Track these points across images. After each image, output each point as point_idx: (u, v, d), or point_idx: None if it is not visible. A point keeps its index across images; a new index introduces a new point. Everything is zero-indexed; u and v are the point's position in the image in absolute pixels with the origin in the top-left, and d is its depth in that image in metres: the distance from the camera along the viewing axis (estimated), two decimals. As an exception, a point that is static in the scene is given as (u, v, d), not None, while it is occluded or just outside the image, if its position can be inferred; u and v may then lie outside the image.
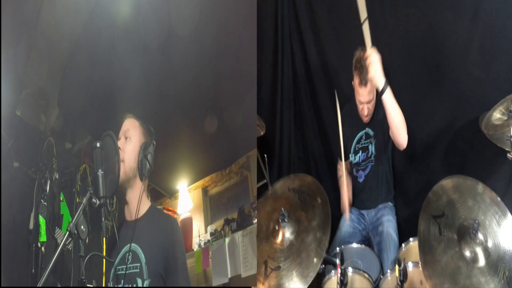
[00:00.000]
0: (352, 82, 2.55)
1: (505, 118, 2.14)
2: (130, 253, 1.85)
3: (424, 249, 1.67)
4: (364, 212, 2.71)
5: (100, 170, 1.73)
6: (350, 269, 2.11)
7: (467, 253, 1.67)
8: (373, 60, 2.19)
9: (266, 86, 3.24)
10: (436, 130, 2.75)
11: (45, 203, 2.66)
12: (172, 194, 4.21)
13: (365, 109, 2.53)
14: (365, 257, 2.34)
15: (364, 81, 2.40)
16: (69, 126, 3.24)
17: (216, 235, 3.69)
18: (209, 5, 2.44)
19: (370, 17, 2.52)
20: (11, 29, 2.37)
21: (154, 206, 2.03)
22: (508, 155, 2.12)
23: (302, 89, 3.22)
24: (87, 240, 1.66)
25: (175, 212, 3.98)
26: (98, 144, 1.77)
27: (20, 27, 2.50)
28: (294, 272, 1.91)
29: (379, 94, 2.26)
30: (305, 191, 2.14)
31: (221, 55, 2.72)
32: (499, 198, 1.82)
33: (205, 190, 4.13)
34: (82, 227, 1.59)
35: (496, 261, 1.65)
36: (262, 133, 2.78)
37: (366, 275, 2.11)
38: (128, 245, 1.86)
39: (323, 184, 2.24)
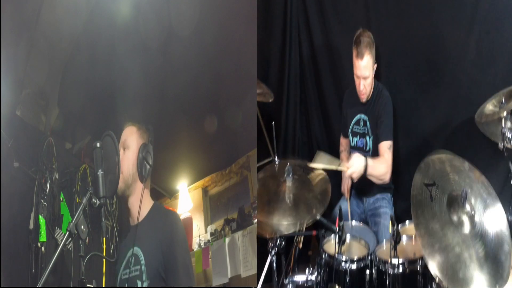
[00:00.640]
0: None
1: (497, 109, 2.26)
2: (133, 257, 1.86)
3: (417, 212, 1.80)
4: (362, 197, 2.76)
5: (100, 170, 1.73)
6: (348, 236, 2.18)
7: (455, 218, 1.81)
8: (351, 173, 2.39)
9: (274, 71, 3.29)
10: (433, 127, 2.80)
11: (45, 203, 2.65)
12: (172, 194, 4.21)
13: (361, 85, 2.56)
14: (363, 232, 2.36)
15: (360, 55, 2.49)
16: (69, 126, 3.24)
17: (216, 235, 3.69)
18: (209, 5, 2.44)
19: (373, 16, 2.72)
20: (11, 29, 2.37)
21: (156, 204, 2.03)
22: (499, 145, 2.21)
23: (308, 74, 3.25)
24: (87, 240, 1.66)
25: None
26: (98, 144, 1.77)
27: (20, 27, 2.49)
28: (290, 217, 2.07)
29: (365, 166, 2.41)
30: (309, 168, 2.28)
31: (221, 55, 2.72)
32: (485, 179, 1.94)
33: (205, 190, 4.13)
34: (82, 227, 1.59)
35: (477, 235, 1.78)
36: (271, 100, 2.87)
37: (363, 242, 2.19)
38: (131, 249, 1.87)
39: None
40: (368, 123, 2.66)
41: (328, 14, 3.08)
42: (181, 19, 2.50)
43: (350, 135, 2.76)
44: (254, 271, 3.18)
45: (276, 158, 2.58)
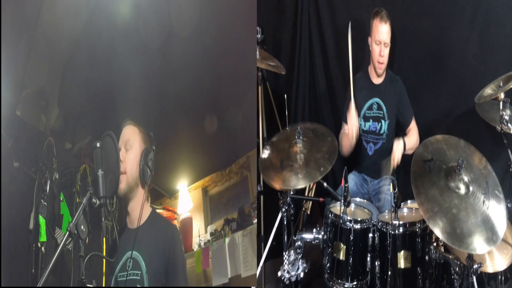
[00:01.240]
0: (369, 37, 2.70)
1: (495, 91, 2.42)
2: (131, 260, 1.86)
3: (416, 183, 2.00)
4: (367, 178, 2.87)
5: (100, 170, 1.74)
6: (352, 205, 2.39)
7: (452, 185, 2.01)
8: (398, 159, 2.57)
9: (285, 58, 3.38)
10: (436, 115, 2.91)
11: (45, 203, 2.66)
12: (172, 194, 4.21)
13: (382, 51, 2.62)
14: (367, 206, 2.48)
15: (384, 19, 2.59)
16: (69, 126, 3.24)
17: (216, 235, 3.69)
18: (209, 5, 2.44)
19: (378, 5, 2.82)
20: (11, 29, 2.37)
21: (154, 212, 2.05)
22: (497, 127, 2.33)
23: (317, 58, 3.35)
24: (87, 240, 1.66)
25: (175, 212, 3.98)
26: (98, 144, 1.77)
27: (20, 27, 2.49)
28: (300, 174, 2.26)
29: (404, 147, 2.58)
30: (318, 130, 2.48)
31: (221, 55, 2.72)
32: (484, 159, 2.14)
33: (205, 190, 4.13)
34: (82, 227, 1.60)
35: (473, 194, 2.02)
36: (283, 73, 3.00)
37: (366, 210, 2.37)
38: (129, 252, 1.88)
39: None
40: (384, 108, 2.71)
41: (337, 1, 3.16)
42: (181, 19, 2.50)
43: (361, 119, 2.77)
44: (254, 271, 3.17)
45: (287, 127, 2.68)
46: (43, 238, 2.58)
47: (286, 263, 2.27)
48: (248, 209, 3.57)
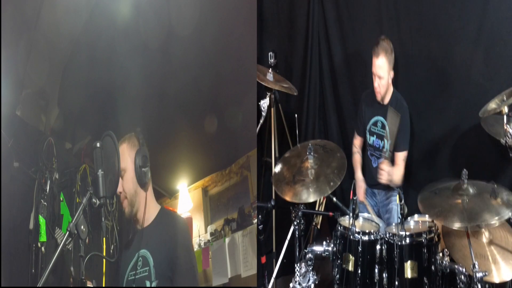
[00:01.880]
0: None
1: (499, 105, 2.45)
2: (141, 259, 1.88)
3: (424, 204, 2.19)
4: (375, 191, 2.95)
5: (100, 170, 1.74)
6: (361, 219, 2.51)
7: (459, 192, 2.16)
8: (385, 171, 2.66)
9: (297, 79, 3.54)
10: (443, 132, 2.97)
11: (45, 203, 2.66)
12: (172, 194, 4.21)
13: (375, 82, 2.73)
14: (375, 221, 2.59)
15: (376, 53, 2.69)
16: (69, 126, 3.23)
17: (216, 235, 3.69)
18: (209, 5, 2.43)
19: (385, 28, 3.02)
20: (11, 29, 2.37)
21: (163, 209, 2.06)
22: (501, 140, 2.35)
23: (326, 81, 3.46)
24: (87, 240, 1.66)
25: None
26: (98, 144, 1.77)
27: (20, 27, 2.49)
28: (311, 188, 2.39)
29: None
30: (328, 147, 2.62)
31: (221, 55, 2.72)
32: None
33: (205, 190, 4.13)
34: (82, 227, 1.59)
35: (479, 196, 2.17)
36: (295, 93, 3.20)
37: (374, 223, 2.49)
38: (138, 253, 1.90)
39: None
40: (386, 127, 2.79)
41: (345, 25, 3.29)
42: (181, 19, 2.50)
43: (367, 133, 2.89)
44: (254, 271, 3.18)
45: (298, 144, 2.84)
46: (43, 238, 2.58)
47: (297, 275, 2.36)
48: (248, 209, 3.57)
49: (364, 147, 3.03)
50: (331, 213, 2.55)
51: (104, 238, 2.97)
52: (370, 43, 2.81)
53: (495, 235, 2.32)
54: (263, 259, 2.75)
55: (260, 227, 2.59)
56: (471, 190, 2.13)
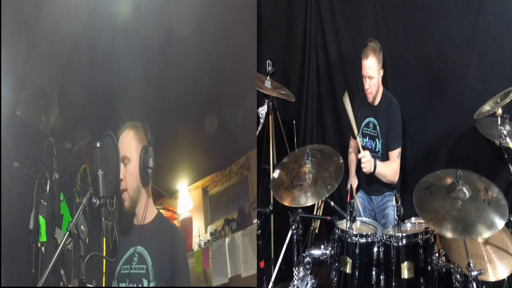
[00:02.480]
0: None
1: (493, 107, 2.52)
2: (136, 254, 1.88)
3: (419, 204, 2.15)
4: (372, 196, 2.97)
5: (100, 170, 1.74)
6: (358, 222, 2.54)
7: (453, 195, 2.14)
8: (365, 160, 2.68)
9: (294, 86, 3.59)
10: (438, 136, 3.01)
11: (45, 203, 2.66)
12: (172, 194, 4.21)
13: (366, 84, 2.77)
14: (372, 223, 2.60)
15: (365, 55, 2.73)
16: (69, 126, 3.24)
17: (216, 235, 3.69)
18: (209, 5, 2.44)
19: (382, 34, 3.06)
20: (11, 29, 2.37)
21: (160, 215, 2.08)
22: (496, 142, 2.42)
23: (324, 87, 3.52)
24: (87, 240, 1.66)
25: (175, 212, 3.98)
26: (98, 144, 1.77)
27: (20, 27, 2.49)
28: (309, 192, 2.40)
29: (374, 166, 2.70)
30: (326, 151, 2.63)
31: (221, 55, 2.72)
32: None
33: (205, 190, 4.13)
34: (82, 227, 1.60)
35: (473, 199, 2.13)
36: (293, 100, 3.23)
37: (371, 226, 2.50)
38: (134, 247, 1.91)
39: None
40: (377, 127, 2.85)
41: (342, 32, 3.34)
42: (181, 19, 2.50)
43: (360, 135, 2.92)
44: (254, 271, 3.18)
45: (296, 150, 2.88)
46: (43, 238, 2.58)
47: (295, 278, 2.38)
48: (248, 209, 3.57)
49: (359, 150, 3.04)
50: (329, 217, 2.57)
51: (104, 238, 2.97)
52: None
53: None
54: (262, 264, 2.77)
55: (259, 232, 2.61)
56: (466, 193, 2.12)
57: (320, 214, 2.98)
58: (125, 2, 2.48)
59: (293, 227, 2.51)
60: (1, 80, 2.34)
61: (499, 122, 2.39)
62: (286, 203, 2.41)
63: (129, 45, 2.58)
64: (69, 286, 2.42)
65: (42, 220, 2.60)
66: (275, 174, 2.62)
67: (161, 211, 3.92)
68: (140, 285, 1.86)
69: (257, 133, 2.72)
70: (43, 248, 2.57)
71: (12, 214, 2.47)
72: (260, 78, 3.17)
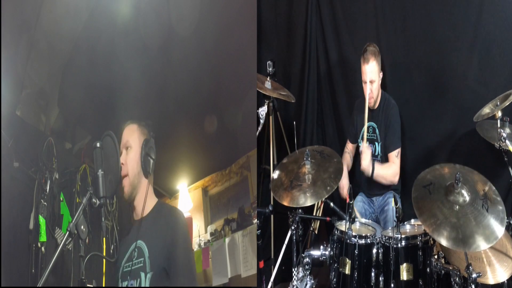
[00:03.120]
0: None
1: (493, 109, 2.52)
2: (136, 250, 1.86)
3: (418, 205, 2.11)
4: (373, 198, 2.97)
5: (100, 170, 1.74)
6: (357, 223, 2.54)
7: (451, 198, 2.10)
8: (365, 152, 2.72)
9: (295, 86, 3.58)
10: (439, 138, 3.01)
11: (45, 203, 2.66)
12: (172, 194, 4.21)
13: (368, 89, 2.76)
14: (372, 225, 2.60)
15: (366, 60, 2.74)
16: (69, 126, 3.24)
17: (216, 235, 3.70)
18: (209, 5, 2.44)
19: (382, 36, 3.08)
20: (11, 29, 2.37)
21: (160, 202, 2.04)
22: (495, 144, 2.43)
23: (324, 88, 3.52)
24: (87, 240, 1.66)
25: (175, 212, 3.98)
26: (98, 144, 1.77)
27: (20, 27, 2.49)
28: (308, 193, 2.40)
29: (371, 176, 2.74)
30: (325, 152, 2.63)
31: (221, 55, 2.72)
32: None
33: (205, 190, 4.13)
34: (82, 227, 1.60)
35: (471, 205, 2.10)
36: (293, 101, 3.24)
37: (371, 228, 2.50)
38: (134, 243, 1.88)
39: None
40: (377, 131, 2.87)
41: (342, 33, 3.34)
42: (181, 19, 2.50)
43: (360, 141, 2.92)
44: (254, 271, 3.18)
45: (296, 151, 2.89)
46: (43, 238, 2.58)
47: (295, 279, 2.38)
48: (248, 209, 3.57)
49: (358, 155, 3.03)
50: (328, 218, 2.57)
51: (104, 238, 2.97)
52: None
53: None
54: (261, 264, 2.77)
55: (258, 232, 2.61)
56: (465, 197, 2.10)
57: (320, 215, 2.99)
58: (125, 2, 2.48)
59: (293, 228, 2.52)
60: (1, 80, 2.34)
61: (498, 125, 2.40)
62: (285, 203, 2.41)
63: (129, 45, 2.58)
64: (69, 286, 2.43)
65: (42, 220, 2.60)
66: (275, 174, 2.62)
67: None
68: (136, 284, 1.83)
69: (257, 133, 2.72)
70: (43, 248, 2.57)
71: (12, 214, 2.47)
72: (261, 78, 3.17)
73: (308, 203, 2.39)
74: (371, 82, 2.75)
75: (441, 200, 2.11)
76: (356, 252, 2.29)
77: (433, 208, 2.08)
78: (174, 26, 2.51)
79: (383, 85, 2.92)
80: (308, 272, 2.38)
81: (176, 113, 3.11)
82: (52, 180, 2.76)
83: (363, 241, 2.31)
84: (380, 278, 2.27)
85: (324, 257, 2.43)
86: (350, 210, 2.28)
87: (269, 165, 3.25)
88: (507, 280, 2.30)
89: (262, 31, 3.66)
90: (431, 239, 2.27)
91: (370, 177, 2.74)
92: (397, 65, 3.05)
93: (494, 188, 2.15)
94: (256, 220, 3.20)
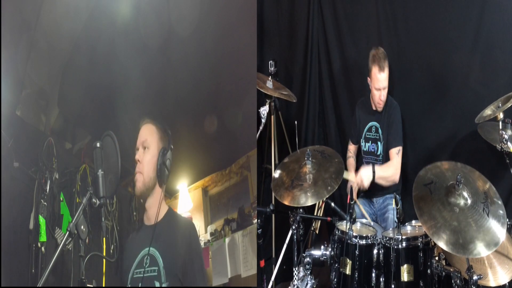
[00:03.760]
0: (368, 78, 2.84)
1: (495, 111, 2.51)
2: (148, 257, 1.86)
3: (419, 205, 2.10)
4: (374, 199, 2.98)
5: (100, 170, 1.74)
6: (358, 224, 2.54)
7: (452, 200, 2.10)
8: (362, 182, 2.72)
9: (296, 86, 3.59)
10: (441, 139, 3.02)
11: (45, 203, 2.65)
12: (172, 194, 4.21)
13: (382, 95, 2.78)
14: (372, 226, 2.61)
15: (381, 68, 2.73)
16: (69, 126, 3.23)
17: (216, 235, 3.70)
18: (209, 5, 2.43)
19: (384, 37, 3.09)
20: (11, 29, 2.37)
21: (171, 210, 2.05)
22: (497, 146, 2.41)
23: (326, 88, 3.53)
24: (87, 240, 1.66)
25: (175, 212, 3.98)
26: (98, 144, 1.78)
27: (20, 27, 2.49)
28: (309, 192, 2.41)
29: (373, 173, 2.74)
30: (326, 152, 2.65)
31: (221, 55, 2.72)
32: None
33: (205, 190, 4.13)
34: (82, 227, 1.60)
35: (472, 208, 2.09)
36: (294, 101, 3.25)
37: (371, 228, 2.51)
38: (147, 248, 1.88)
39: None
40: (379, 130, 2.88)
41: (344, 33, 3.35)
42: (181, 19, 2.50)
43: (362, 140, 2.96)
44: (254, 271, 3.18)
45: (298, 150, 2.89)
46: (43, 238, 2.58)
47: (295, 278, 2.39)
48: (248, 209, 3.57)
49: (360, 155, 3.07)
50: (329, 218, 2.58)
51: (104, 238, 2.97)
52: (368, 51, 2.85)
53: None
54: (262, 263, 2.77)
55: (259, 231, 2.61)
56: (466, 199, 2.09)
57: (321, 215, 3.00)
58: (125, 2, 2.48)
59: (294, 227, 2.52)
60: (1, 80, 2.34)
61: (500, 127, 2.40)
62: (286, 203, 2.42)
63: (129, 45, 2.58)
64: (69, 286, 2.43)
65: (42, 220, 2.60)
66: (276, 174, 2.63)
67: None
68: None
69: (259, 133, 2.72)
70: (43, 248, 2.57)
71: (12, 214, 2.46)
72: (262, 78, 3.18)
73: (309, 202, 2.40)
74: (383, 89, 2.77)
75: (442, 201, 2.11)
76: (357, 253, 2.29)
77: (434, 209, 2.08)
78: (174, 26, 2.51)
79: None
80: (309, 272, 2.39)
81: (176, 113, 3.11)
82: (52, 180, 2.76)
83: (363, 242, 2.31)
84: (381, 279, 2.27)
85: (325, 257, 2.43)
86: (351, 211, 2.28)
87: (271, 165, 3.26)
88: (508, 282, 2.28)
89: (264, 30, 3.67)
90: (432, 240, 2.26)
91: (372, 180, 2.74)
92: (398, 66, 3.05)
93: (494, 189, 2.15)
94: (256, 220, 3.21)
